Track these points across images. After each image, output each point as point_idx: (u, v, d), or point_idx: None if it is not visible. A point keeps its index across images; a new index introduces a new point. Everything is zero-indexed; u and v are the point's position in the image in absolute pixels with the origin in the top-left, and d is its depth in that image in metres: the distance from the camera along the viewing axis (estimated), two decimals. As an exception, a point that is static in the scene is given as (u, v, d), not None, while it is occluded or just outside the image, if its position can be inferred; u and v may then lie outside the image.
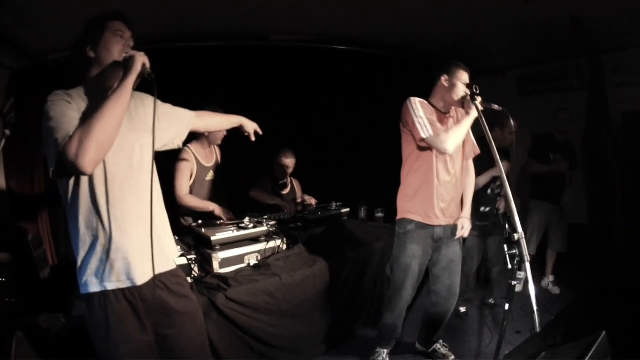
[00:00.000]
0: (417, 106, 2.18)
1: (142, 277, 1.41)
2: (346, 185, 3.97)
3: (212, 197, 2.92)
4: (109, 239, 1.37)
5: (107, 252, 1.36)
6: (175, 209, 2.98)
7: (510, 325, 2.88)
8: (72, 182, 1.36)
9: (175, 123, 1.69)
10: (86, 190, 1.36)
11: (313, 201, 3.51)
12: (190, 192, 2.82)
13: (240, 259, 2.44)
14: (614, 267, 3.63)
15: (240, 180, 3.26)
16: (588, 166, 4.17)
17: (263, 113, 3.99)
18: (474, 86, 2.05)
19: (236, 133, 2.90)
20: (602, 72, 4.03)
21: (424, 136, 2.10)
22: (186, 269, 2.22)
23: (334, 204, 3.45)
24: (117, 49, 1.41)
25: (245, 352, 2.24)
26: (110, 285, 1.37)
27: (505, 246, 1.58)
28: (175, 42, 3.32)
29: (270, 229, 2.64)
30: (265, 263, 2.44)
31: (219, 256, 2.34)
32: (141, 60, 1.37)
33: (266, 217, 2.87)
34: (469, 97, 2.08)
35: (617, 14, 3.11)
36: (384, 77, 4.30)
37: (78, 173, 1.31)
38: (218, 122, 1.99)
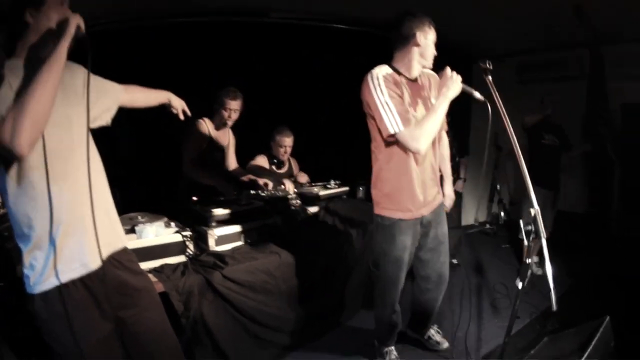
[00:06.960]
0: (382, 86, 1.87)
1: (95, 260, 1.33)
2: (345, 164, 3.92)
3: (217, 176, 2.89)
4: (57, 225, 1.25)
5: (55, 240, 1.24)
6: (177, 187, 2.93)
7: (506, 309, 2.88)
8: (4, 168, 1.22)
9: (105, 96, 1.56)
10: (25, 173, 1.22)
11: (304, 179, 3.45)
12: (196, 165, 2.80)
13: (237, 236, 2.36)
14: (611, 254, 3.63)
15: (239, 158, 3.22)
16: (587, 156, 4.16)
17: (263, 90, 3.94)
18: (487, 61, 1.90)
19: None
20: (603, 62, 3.99)
21: (392, 132, 1.84)
22: (180, 246, 2.13)
23: (333, 182, 3.41)
24: (56, 16, 1.27)
25: (240, 334, 2.16)
26: (64, 277, 1.26)
27: (521, 221, 1.53)
28: (171, 18, 3.19)
29: (268, 206, 2.56)
30: (263, 240, 2.37)
31: (215, 233, 2.25)
32: (75, 22, 1.23)
33: (264, 193, 2.79)
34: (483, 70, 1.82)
35: (618, 7, 3.07)
36: (384, 56, 4.20)
37: (13, 157, 1.18)
38: (145, 98, 1.79)
